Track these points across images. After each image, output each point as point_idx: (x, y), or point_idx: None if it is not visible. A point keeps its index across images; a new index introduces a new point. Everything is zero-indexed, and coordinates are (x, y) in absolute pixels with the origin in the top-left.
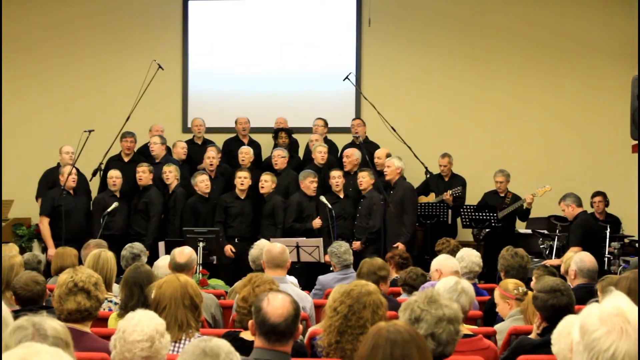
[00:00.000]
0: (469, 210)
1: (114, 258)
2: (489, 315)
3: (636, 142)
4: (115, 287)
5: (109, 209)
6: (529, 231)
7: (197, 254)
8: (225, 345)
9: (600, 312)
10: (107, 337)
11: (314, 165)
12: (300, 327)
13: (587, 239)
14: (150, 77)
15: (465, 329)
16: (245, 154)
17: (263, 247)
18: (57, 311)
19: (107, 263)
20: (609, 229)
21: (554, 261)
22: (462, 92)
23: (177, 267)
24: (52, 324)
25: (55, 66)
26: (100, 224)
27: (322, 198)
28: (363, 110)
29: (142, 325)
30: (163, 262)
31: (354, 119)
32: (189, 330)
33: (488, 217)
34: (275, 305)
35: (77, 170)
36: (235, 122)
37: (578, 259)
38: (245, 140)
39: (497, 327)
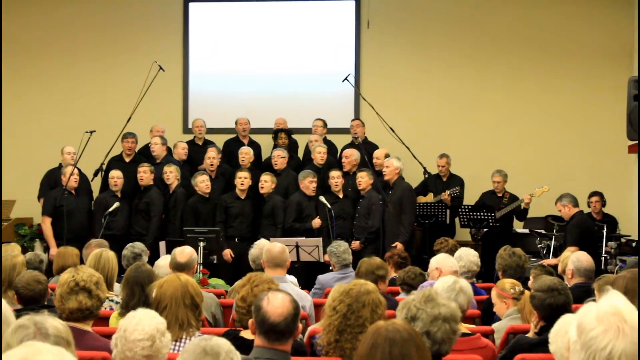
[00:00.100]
0: (467, 210)
1: (115, 258)
2: (487, 314)
3: (632, 142)
4: (117, 287)
5: (110, 209)
6: (527, 231)
7: (197, 254)
8: (225, 344)
9: (597, 311)
10: (109, 336)
11: (314, 166)
12: (300, 326)
13: (583, 239)
14: (151, 78)
15: (464, 327)
16: (246, 154)
17: (263, 247)
18: (58, 310)
19: (109, 262)
20: (605, 228)
21: (551, 260)
22: (460, 93)
23: (178, 267)
24: (53, 323)
25: (57, 67)
26: (101, 223)
27: (322, 198)
28: (362, 111)
29: (143, 324)
30: (164, 261)
31: (353, 120)
32: (189, 329)
33: (486, 217)
34: (275, 305)
35: (79, 170)
36: (236, 123)
37: (575, 259)
38: (245, 141)
39: (494, 326)
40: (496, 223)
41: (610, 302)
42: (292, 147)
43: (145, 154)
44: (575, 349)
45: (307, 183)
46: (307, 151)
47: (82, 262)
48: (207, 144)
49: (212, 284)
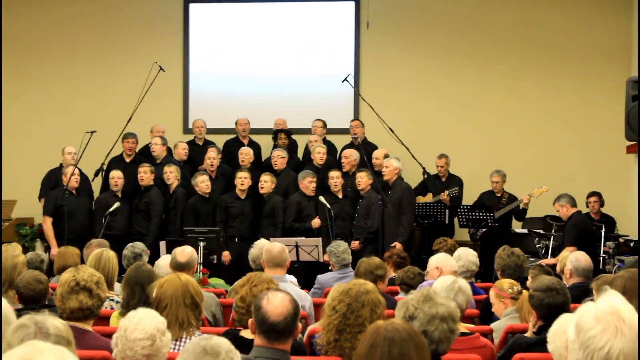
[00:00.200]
0: (465, 210)
1: (116, 257)
2: (486, 313)
3: (631, 143)
4: (117, 286)
5: (110, 209)
6: (525, 231)
7: (197, 254)
8: (225, 343)
9: (596, 311)
10: (109, 335)
11: (313, 166)
12: (300, 325)
13: (581, 239)
14: (152, 78)
15: (462, 327)
16: (245, 154)
17: (263, 247)
18: (59, 310)
19: (109, 262)
20: (604, 228)
21: (549, 260)
22: (459, 94)
23: (178, 267)
24: (54, 323)
25: (57, 67)
26: (102, 223)
27: (321, 198)
28: (361, 112)
29: (144, 323)
30: (164, 261)
31: (352, 120)
32: (189, 329)
33: (485, 217)
34: (275, 304)
35: (80, 170)
36: (236, 124)
37: (573, 258)
38: (245, 141)
39: (493, 325)
40: (495, 223)
41: (609, 301)
42: (291, 147)
43: (145, 154)
44: (573, 349)
45: (307, 183)
46: (307, 151)
47: (82, 261)
48: (207, 144)
49: (212, 283)
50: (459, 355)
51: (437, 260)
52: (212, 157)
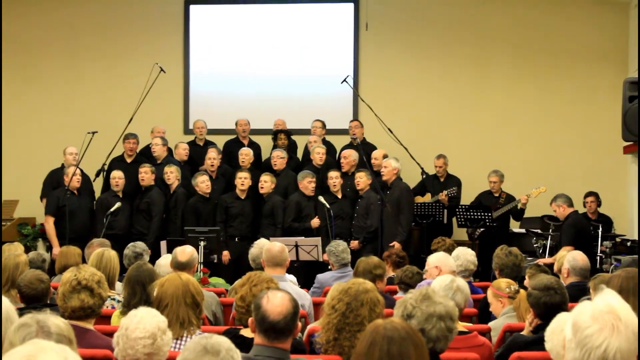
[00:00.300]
0: (464, 209)
1: (117, 257)
2: (484, 312)
3: (627, 143)
4: (118, 285)
5: (112, 209)
6: (523, 230)
7: (198, 253)
8: (225, 342)
9: (592, 310)
10: (110, 334)
11: (313, 166)
12: (299, 324)
13: (578, 238)
14: (153, 79)
15: (461, 326)
16: (246, 155)
17: (263, 246)
18: (61, 309)
19: (110, 262)
20: (601, 228)
21: (547, 260)
22: (457, 94)
23: (179, 266)
24: (55, 322)
25: (59, 69)
26: (103, 223)
27: (321, 198)
28: (360, 112)
29: (145, 322)
30: (165, 260)
31: (351, 121)
32: (190, 328)
33: (483, 217)
34: (275, 303)
35: (81, 170)
36: (236, 124)
37: (571, 258)
38: (245, 142)
39: (491, 324)
40: (493, 223)
41: (605, 300)
42: (291, 147)
43: (146, 155)
44: (570, 347)
45: (306, 183)
46: (306, 152)
47: (84, 261)
48: (208, 144)
49: (212, 283)
50: (457, 353)
51: (435, 259)
52: (213, 158)
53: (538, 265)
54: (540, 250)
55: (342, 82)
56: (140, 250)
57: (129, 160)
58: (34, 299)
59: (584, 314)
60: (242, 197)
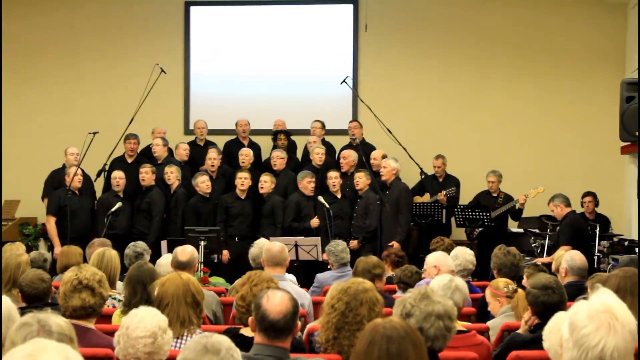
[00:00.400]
0: (462, 209)
1: (118, 256)
2: (482, 312)
3: (625, 143)
4: (119, 285)
5: (112, 209)
6: (521, 230)
7: (198, 253)
8: (226, 341)
9: (588, 309)
10: (111, 333)
11: (312, 166)
12: (299, 323)
13: (576, 238)
14: (153, 80)
15: (459, 325)
16: (246, 155)
17: (263, 246)
18: (62, 308)
19: (111, 261)
20: (598, 228)
21: (544, 259)
22: (456, 95)
23: (179, 265)
24: (56, 321)
25: (60, 70)
26: (104, 223)
27: (320, 198)
28: (360, 113)
29: (145, 321)
30: (165, 260)
31: (350, 122)
32: (190, 327)
33: (481, 217)
34: (275, 303)
35: (82, 171)
36: (236, 125)
37: (569, 257)
38: (246, 142)
39: (489, 323)
40: (491, 223)
41: (601, 299)
42: (291, 148)
43: (147, 155)
44: (567, 347)
45: (306, 183)
46: (306, 152)
47: (85, 260)
48: (208, 144)
49: (212, 282)
50: (456, 352)
51: (434, 258)
52: (213, 158)
53: (536, 264)
54: (538, 250)
55: (341, 83)
56: (141, 249)
57: (129, 160)
58: (36, 299)
59: (580, 313)
60: (242, 197)
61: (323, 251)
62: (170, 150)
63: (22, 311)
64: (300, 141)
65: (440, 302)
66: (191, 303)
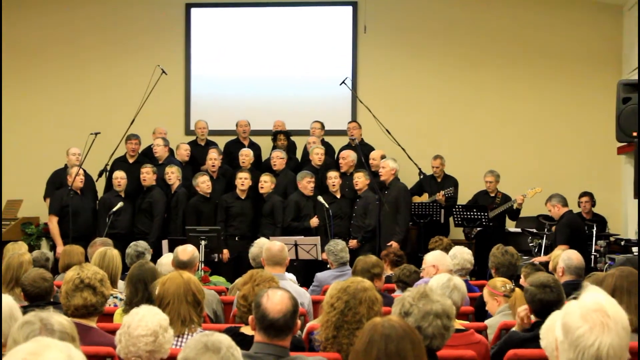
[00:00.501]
0: (460, 209)
1: (119, 256)
2: (481, 310)
3: (621, 144)
4: (121, 284)
5: (114, 209)
6: (519, 230)
7: (199, 252)
8: (226, 339)
9: (580, 310)
10: (113, 331)
11: (312, 167)
12: (299, 322)
13: (573, 238)
14: (154, 81)
15: (457, 324)
16: (246, 155)
17: (263, 246)
18: (64, 307)
19: (113, 260)
20: (595, 227)
21: (542, 258)
22: (454, 96)
23: (180, 265)
24: (58, 319)
25: (62, 71)
26: (106, 223)
27: (320, 198)
28: (359, 114)
29: (146, 320)
30: (166, 259)
31: (350, 122)
32: (191, 326)
33: (479, 217)
34: (275, 301)
35: (84, 171)
36: (236, 125)
37: (566, 257)
38: (246, 143)
39: (487, 322)
40: (489, 222)
41: (592, 298)
42: (290, 148)
43: (148, 155)
44: (563, 349)
45: (305, 183)
46: (306, 152)
47: (87, 260)
48: (209, 144)
49: (213, 281)
50: (454, 351)
51: (433, 258)
52: (214, 158)
53: (533, 264)
54: (536, 250)
55: (340, 84)
56: (142, 249)
57: (131, 160)
58: (38, 297)
59: (572, 314)
60: (242, 197)
61: (322, 250)
62: (171, 151)
63: (25, 310)
64: (299, 141)
65: (439, 301)
66: (192, 302)
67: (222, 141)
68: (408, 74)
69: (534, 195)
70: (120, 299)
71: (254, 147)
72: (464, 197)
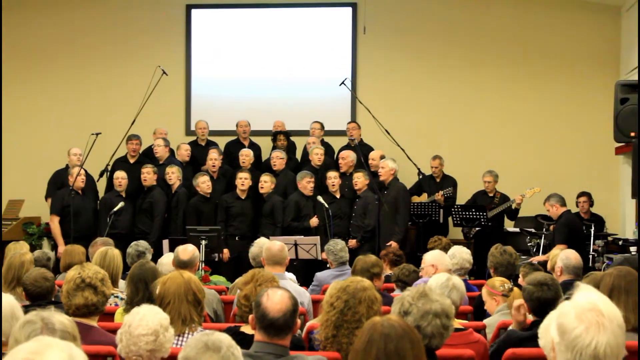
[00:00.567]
0: (459, 209)
1: (120, 255)
2: (479, 310)
3: (619, 144)
4: (122, 283)
5: (115, 209)
6: (517, 230)
7: (199, 252)
8: (226, 339)
9: (575, 310)
10: (114, 331)
11: (311, 167)
12: (299, 321)
13: (571, 237)
14: (155, 82)
15: (456, 323)
16: (246, 155)
17: (263, 245)
18: (65, 306)
19: (114, 260)
20: (593, 227)
21: (540, 258)
22: (453, 96)
23: (181, 264)
24: (60, 319)
25: (64, 72)
26: (107, 222)
27: (320, 198)
28: (358, 114)
29: (147, 319)
30: (167, 259)
31: (349, 123)
32: (192, 325)
33: (478, 217)
34: (275, 301)
35: (85, 171)
36: (236, 125)
37: (564, 256)
38: (246, 143)
39: (486, 321)
40: (488, 222)
41: (586, 298)
42: (290, 148)
43: (149, 156)
44: (560, 350)
45: (305, 183)
46: (305, 153)
47: (88, 259)
48: (210, 145)
49: (213, 280)
50: (453, 350)
51: (432, 257)
52: (214, 158)
53: (532, 263)
54: (534, 249)
55: (340, 85)
56: (143, 248)
57: (131, 160)
58: (39, 297)
59: (567, 315)
60: (243, 197)
61: (322, 250)
62: (171, 151)
63: (26, 309)
64: (299, 142)
65: (438, 300)
66: (192, 301)
67: (222, 141)
68: (407, 75)
69: (533, 195)
70: (121, 299)
71: (254, 147)
72: (463, 197)
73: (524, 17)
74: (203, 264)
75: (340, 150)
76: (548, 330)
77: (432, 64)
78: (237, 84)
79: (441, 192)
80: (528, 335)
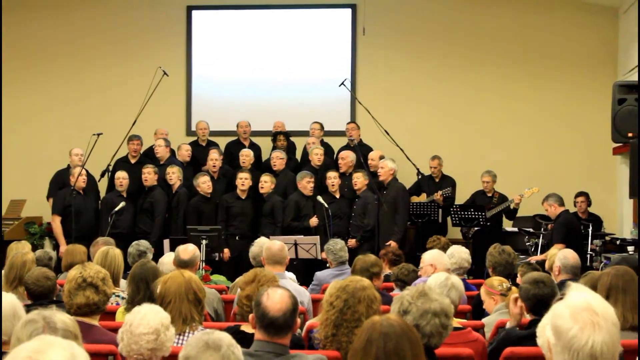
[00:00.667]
0: (458, 209)
1: (121, 255)
2: (478, 309)
3: (617, 145)
4: (123, 283)
5: (116, 209)
6: (516, 229)
7: (200, 251)
8: (227, 337)
9: (569, 310)
10: (115, 330)
11: (311, 167)
12: (298, 320)
13: (569, 237)
14: (156, 83)
15: (455, 322)
16: (246, 156)
17: (263, 245)
18: (66, 305)
19: (115, 259)
20: (591, 227)
21: (538, 257)
22: (452, 96)
23: (182, 264)
24: (61, 318)
25: (65, 72)
26: (108, 222)
27: (319, 198)
28: (358, 115)
29: (148, 318)
30: (168, 258)
31: (348, 123)
32: (192, 324)
33: (477, 216)
34: (275, 300)
35: (87, 171)
36: (237, 126)
37: (562, 256)
38: (246, 143)
39: (485, 320)
40: (486, 222)
41: (580, 297)
42: (290, 149)
43: (149, 156)
44: (557, 351)
45: (305, 183)
46: (305, 153)
47: (89, 259)
48: (210, 145)
49: (214, 280)
50: (451, 348)
51: (430, 257)
52: (215, 159)
53: (530, 263)
54: (533, 249)
55: (339, 85)
56: (144, 248)
57: (132, 161)
58: (41, 296)
59: (562, 316)
60: (243, 197)
61: (322, 250)
62: (172, 151)
63: (28, 308)
64: (299, 142)
65: (437, 299)
66: (193, 300)
67: (222, 142)
68: (407, 75)
69: (531, 195)
70: (122, 298)
71: (254, 147)
72: (462, 197)
73: (523, 18)
74: (204, 264)
75: (339, 151)
76: (544, 331)
77: (431, 64)
78: (238, 85)
79: (440, 192)
80: (526, 334)
